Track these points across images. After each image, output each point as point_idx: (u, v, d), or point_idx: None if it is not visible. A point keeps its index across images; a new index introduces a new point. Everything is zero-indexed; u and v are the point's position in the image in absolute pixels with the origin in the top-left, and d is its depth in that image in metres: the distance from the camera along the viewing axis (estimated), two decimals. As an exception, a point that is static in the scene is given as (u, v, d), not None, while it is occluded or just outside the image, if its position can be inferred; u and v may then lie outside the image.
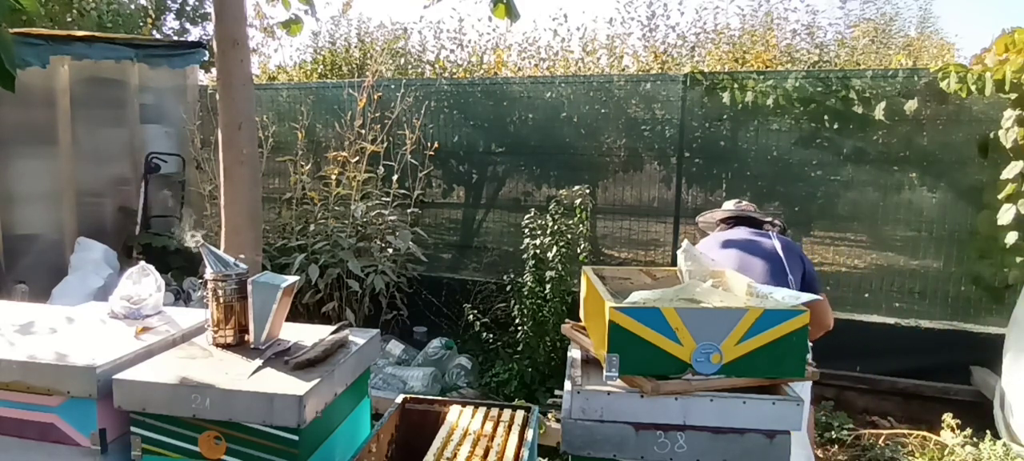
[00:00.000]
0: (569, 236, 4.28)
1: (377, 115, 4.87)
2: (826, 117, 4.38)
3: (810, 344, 2.11)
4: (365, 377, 2.06)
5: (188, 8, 10.67)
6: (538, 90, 5.39)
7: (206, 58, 6.06)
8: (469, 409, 2.05)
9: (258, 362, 1.75)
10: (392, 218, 4.84)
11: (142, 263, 2.19)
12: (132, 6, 9.65)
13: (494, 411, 2.05)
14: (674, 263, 2.30)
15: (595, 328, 1.90)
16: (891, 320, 4.39)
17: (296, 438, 1.56)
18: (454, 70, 9.47)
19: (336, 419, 1.83)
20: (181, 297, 4.69)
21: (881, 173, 4.45)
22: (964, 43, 19.46)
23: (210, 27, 10.10)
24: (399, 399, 2.12)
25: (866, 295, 4.55)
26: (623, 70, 9.17)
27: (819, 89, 4.37)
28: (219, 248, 2.57)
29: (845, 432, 3.76)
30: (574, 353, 2.04)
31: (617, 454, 1.70)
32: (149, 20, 9.84)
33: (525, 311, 4.30)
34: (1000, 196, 3.85)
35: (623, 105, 5.07)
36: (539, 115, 5.26)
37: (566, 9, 17.73)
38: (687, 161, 4.85)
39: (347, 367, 1.84)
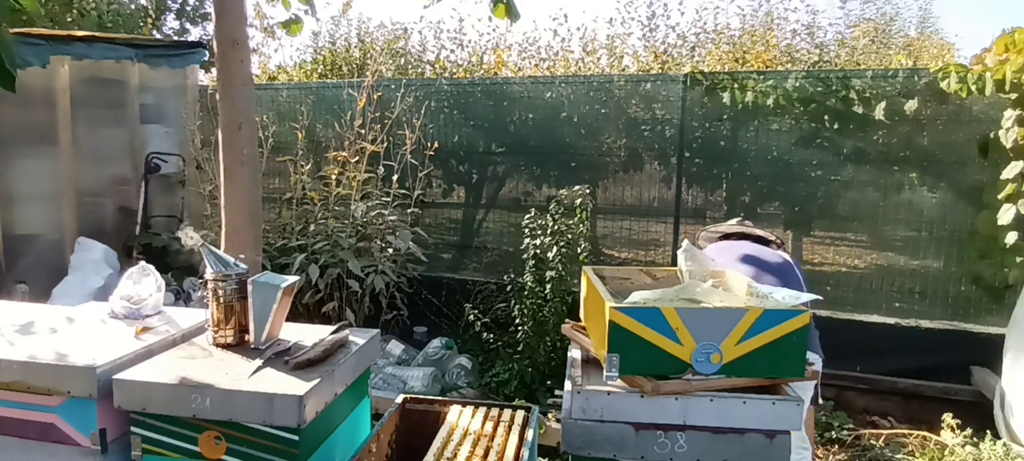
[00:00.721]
0: (569, 236, 4.28)
1: (377, 115, 4.87)
2: (826, 117, 4.38)
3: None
4: (365, 377, 2.06)
5: (188, 8, 10.67)
6: (538, 90, 5.39)
7: (206, 58, 6.06)
8: (469, 409, 2.05)
9: (258, 362, 1.75)
10: (392, 218, 4.84)
11: (142, 263, 2.19)
12: (132, 6, 9.65)
13: (494, 411, 2.05)
14: (674, 263, 2.30)
15: (595, 328, 1.90)
16: (891, 320, 4.39)
17: (296, 438, 1.56)
18: (454, 70, 9.47)
19: (336, 419, 1.83)
20: (181, 297, 4.69)
21: (881, 173, 4.45)
22: (964, 43, 19.47)
23: (210, 27, 10.11)
24: (399, 399, 2.12)
25: (866, 295, 4.55)
26: (623, 70, 9.18)
27: (819, 89, 4.37)
28: (219, 248, 2.57)
29: (845, 432, 3.75)
30: (574, 353, 2.04)
31: (617, 454, 1.70)
32: (149, 20, 9.84)
33: (525, 311, 4.30)
34: (1000, 196, 3.85)
35: (623, 105, 5.08)
36: (539, 115, 5.27)
37: (566, 9, 17.75)
38: (687, 161, 4.85)
39: (347, 367, 1.84)
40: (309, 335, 1.97)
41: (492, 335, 4.50)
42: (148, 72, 5.59)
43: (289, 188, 5.10)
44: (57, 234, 5.18)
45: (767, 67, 8.09)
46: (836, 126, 4.38)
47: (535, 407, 2.09)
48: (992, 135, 3.92)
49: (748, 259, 2.65)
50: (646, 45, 9.80)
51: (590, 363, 1.95)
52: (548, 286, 4.21)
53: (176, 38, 9.99)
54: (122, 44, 5.50)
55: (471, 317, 4.55)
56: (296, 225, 4.96)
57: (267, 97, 6.11)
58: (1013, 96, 3.78)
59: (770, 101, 4.40)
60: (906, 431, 3.75)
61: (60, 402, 1.64)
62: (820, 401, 1.98)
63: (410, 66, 9.80)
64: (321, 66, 10.17)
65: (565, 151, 5.19)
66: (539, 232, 4.33)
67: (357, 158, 4.76)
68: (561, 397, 3.12)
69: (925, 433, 3.66)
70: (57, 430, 1.66)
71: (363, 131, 4.82)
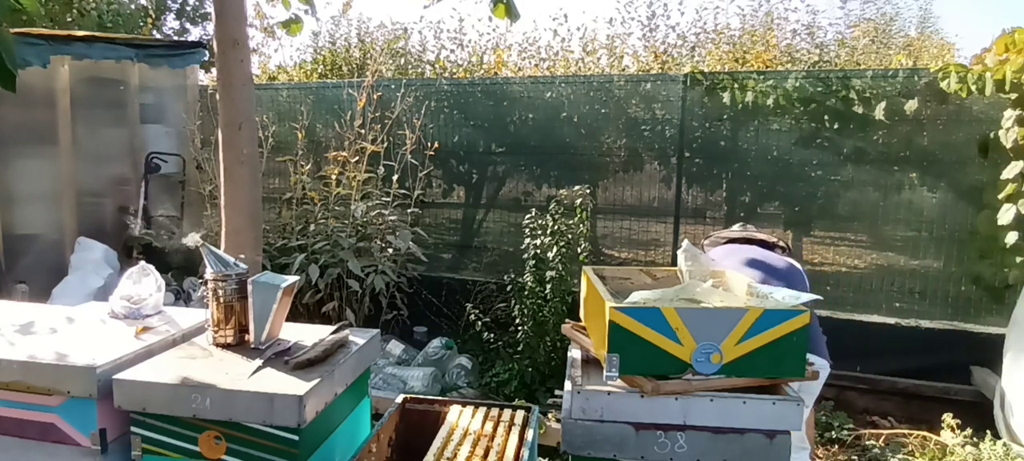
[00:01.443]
0: (569, 236, 4.28)
1: (377, 115, 4.87)
2: (826, 117, 4.38)
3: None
4: (365, 377, 2.06)
5: (188, 8, 10.67)
6: (538, 90, 5.39)
7: (206, 58, 6.05)
8: (469, 409, 2.05)
9: (258, 362, 1.75)
10: (392, 218, 4.84)
11: (142, 263, 2.19)
12: (132, 6, 9.65)
13: (494, 411, 2.05)
14: (674, 263, 2.30)
15: (595, 328, 1.90)
16: (891, 320, 4.39)
17: (296, 438, 1.56)
18: (454, 70, 9.47)
19: (336, 419, 1.83)
20: (181, 297, 4.70)
21: (881, 173, 4.45)
22: (964, 43, 19.45)
23: (210, 27, 10.10)
24: (399, 399, 2.12)
25: (866, 295, 4.54)
26: (623, 70, 9.17)
27: (819, 89, 4.37)
28: (219, 248, 2.57)
29: (845, 432, 3.75)
30: (574, 353, 2.04)
31: (617, 454, 1.70)
32: (149, 20, 9.84)
33: (525, 311, 4.31)
34: (1000, 196, 3.85)
35: (623, 105, 5.07)
36: (539, 115, 5.27)
37: (566, 9, 17.76)
38: (687, 161, 4.85)
39: (347, 367, 1.84)
40: (309, 335, 1.97)
41: (492, 335, 4.50)
42: (148, 72, 5.59)
43: (289, 188, 5.09)
44: (57, 234, 5.18)
45: (767, 67, 8.09)
46: (836, 126, 4.38)
47: (535, 407, 2.09)
48: (992, 135, 3.92)
49: (754, 263, 2.66)
50: (646, 45, 9.80)
51: (590, 363, 1.95)
52: (548, 286, 4.21)
53: (176, 38, 9.99)
54: (122, 44, 5.49)
55: (471, 317, 4.55)
56: (296, 225, 4.96)
57: (267, 97, 6.11)
58: (1013, 96, 3.78)
59: (770, 101, 4.40)
60: (906, 431, 3.75)
61: (60, 402, 1.64)
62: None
63: (410, 66, 9.79)
64: (321, 66, 10.17)
65: (565, 151, 5.19)
66: (539, 232, 4.33)
67: (357, 158, 4.76)
68: (561, 397, 3.13)
69: (925, 433, 3.65)
70: (57, 430, 1.65)
71: (363, 131, 4.82)
